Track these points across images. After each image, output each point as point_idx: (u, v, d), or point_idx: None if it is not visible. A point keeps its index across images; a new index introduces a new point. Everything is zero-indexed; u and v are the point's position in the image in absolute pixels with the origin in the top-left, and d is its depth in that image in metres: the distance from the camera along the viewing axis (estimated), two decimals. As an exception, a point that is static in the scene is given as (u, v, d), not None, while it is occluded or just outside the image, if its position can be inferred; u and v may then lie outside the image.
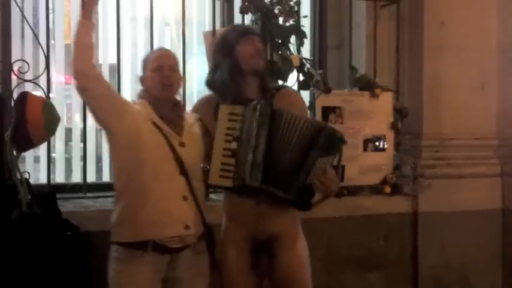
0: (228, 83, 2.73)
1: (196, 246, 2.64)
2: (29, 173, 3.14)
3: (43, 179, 3.76)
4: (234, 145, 2.63)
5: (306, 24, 3.94)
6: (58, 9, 4.15)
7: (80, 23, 2.51)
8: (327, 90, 3.80)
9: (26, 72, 3.31)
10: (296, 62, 3.70)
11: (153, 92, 2.64)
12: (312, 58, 4.05)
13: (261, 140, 2.61)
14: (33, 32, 3.58)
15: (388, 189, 3.92)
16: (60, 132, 3.93)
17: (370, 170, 3.88)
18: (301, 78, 3.80)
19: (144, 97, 2.68)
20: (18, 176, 2.96)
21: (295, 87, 3.80)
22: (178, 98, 2.81)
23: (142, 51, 4.17)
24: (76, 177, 4.15)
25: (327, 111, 3.82)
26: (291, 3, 3.70)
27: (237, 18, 3.88)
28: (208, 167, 2.66)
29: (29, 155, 3.96)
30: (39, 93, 3.32)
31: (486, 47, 4.17)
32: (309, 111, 3.80)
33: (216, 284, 2.81)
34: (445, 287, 4.04)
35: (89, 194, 3.57)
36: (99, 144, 4.33)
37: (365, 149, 3.88)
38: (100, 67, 4.33)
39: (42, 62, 3.49)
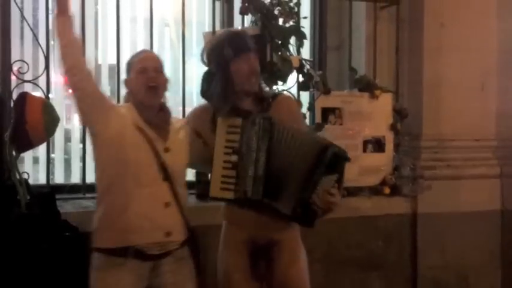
0: (221, 99, 2.70)
1: (178, 252, 2.59)
2: (28, 174, 3.14)
3: (42, 180, 3.75)
4: (234, 158, 2.64)
5: (305, 25, 3.94)
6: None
7: (57, 21, 2.46)
8: (327, 91, 3.80)
9: (25, 73, 3.31)
10: (296, 63, 3.70)
11: (138, 95, 2.59)
12: (311, 59, 4.05)
13: (261, 154, 2.61)
14: (33, 32, 3.58)
15: (387, 190, 3.92)
16: (59, 133, 3.91)
17: (370, 171, 3.88)
18: (301, 79, 3.80)
19: (129, 100, 2.64)
20: (18, 177, 2.96)
21: (295, 88, 3.80)
22: (172, 100, 2.79)
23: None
24: (75, 178, 4.14)
25: (326, 112, 3.82)
26: (291, 4, 3.71)
27: (237, 19, 3.88)
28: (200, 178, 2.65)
29: (28, 155, 3.95)
30: (38, 93, 3.32)
31: (486, 48, 4.18)
32: (308, 113, 3.82)
33: None
34: (444, 287, 4.04)
35: (88, 195, 3.56)
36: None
37: (364, 150, 3.88)
38: (99, 67, 4.36)
39: (42, 62, 3.49)
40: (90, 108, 2.52)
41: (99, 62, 4.40)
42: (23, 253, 2.80)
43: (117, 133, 2.51)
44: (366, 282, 3.93)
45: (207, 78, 2.82)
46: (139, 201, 2.49)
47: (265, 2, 3.65)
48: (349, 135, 3.79)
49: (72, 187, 3.70)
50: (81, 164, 3.86)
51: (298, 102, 3.63)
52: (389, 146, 3.94)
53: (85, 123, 2.61)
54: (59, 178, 4.19)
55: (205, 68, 3.70)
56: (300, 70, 3.76)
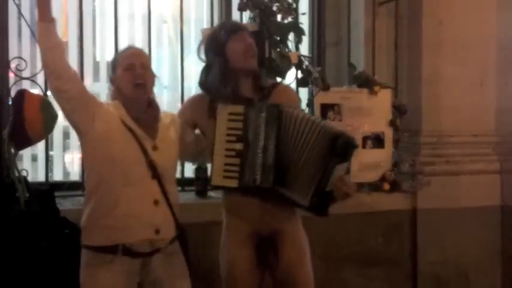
0: (220, 84, 2.70)
1: (168, 248, 2.58)
2: (27, 171, 3.13)
3: (41, 177, 3.74)
4: (239, 146, 2.62)
5: (304, 22, 3.93)
6: (55, 6, 4.11)
7: (40, 26, 2.44)
8: (326, 88, 3.79)
9: (23, 70, 3.30)
10: (294, 59, 3.69)
11: (126, 92, 2.57)
12: (310, 55, 4.05)
13: (270, 142, 2.60)
14: (31, 29, 3.56)
15: (387, 186, 3.91)
16: (57, 130, 3.91)
17: (369, 167, 3.87)
18: (300, 75, 3.79)
19: (117, 98, 2.61)
20: (16, 174, 2.96)
21: (294, 85, 3.80)
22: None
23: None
24: (74, 175, 4.14)
25: (325, 108, 3.81)
26: (289, 0, 3.70)
27: (235, 15, 3.87)
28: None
29: (26, 153, 3.95)
30: (36, 91, 3.30)
31: (485, 44, 4.17)
32: (307, 109, 3.81)
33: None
34: (444, 283, 4.04)
35: (87, 192, 3.56)
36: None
37: (364, 146, 3.87)
38: (97, 64, 4.36)
39: (40, 59, 3.47)
40: (76, 109, 2.50)
41: (97, 59, 4.40)
42: (22, 250, 2.80)
43: (104, 132, 2.50)
44: (365, 278, 3.92)
45: (205, 70, 2.81)
46: (128, 199, 2.48)
47: (264, -2, 3.64)
48: (348, 131, 3.76)
49: (71, 184, 3.69)
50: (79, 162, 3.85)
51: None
52: (388, 142, 3.93)
53: (71, 123, 2.57)
54: (57, 176, 4.19)
55: (204, 64, 3.72)
56: (298, 66, 3.75)
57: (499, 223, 4.18)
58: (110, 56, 3.95)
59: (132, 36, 4.27)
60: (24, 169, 3.12)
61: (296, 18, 3.75)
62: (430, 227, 4.01)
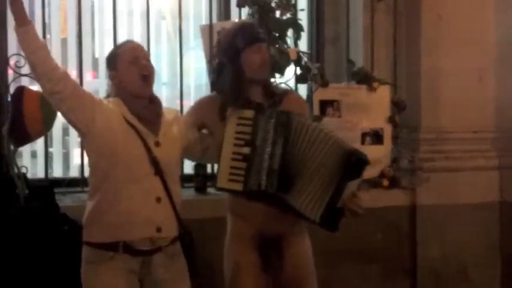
0: (231, 89, 2.71)
1: (169, 249, 2.56)
2: (26, 168, 3.13)
3: (41, 174, 3.75)
4: (246, 150, 2.62)
5: (303, 18, 3.94)
6: (54, 3, 4.14)
7: (18, 32, 2.40)
8: (325, 84, 3.79)
9: (22, 67, 3.28)
10: (293, 56, 3.69)
11: (131, 86, 2.54)
12: (309, 51, 4.04)
13: (277, 148, 2.60)
14: (30, 26, 3.56)
15: (386, 183, 3.92)
16: (57, 127, 3.91)
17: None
18: (299, 71, 3.79)
19: (117, 94, 2.58)
20: (16, 171, 2.96)
21: (293, 81, 3.80)
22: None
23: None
24: (74, 172, 4.14)
25: (324, 104, 3.82)
26: (288, -4, 3.70)
27: (234, 12, 3.88)
28: None
29: (26, 149, 3.95)
30: (35, 87, 3.29)
31: (484, 40, 4.17)
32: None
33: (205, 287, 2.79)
34: (443, 279, 4.05)
35: (86, 189, 3.53)
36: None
37: (363, 143, 3.87)
38: (96, 61, 4.35)
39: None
40: (73, 109, 2.46)
41: (96, 55, 4.40)
42: (22, 247, 2.80)
43: (105, 129, 2.48)
44: (365, 274, 3.93)
45: (217, 70, 2.81)
46: (130, 196, 2.46)
47: (263, -6, 3.64)
48: (347, 127, 3.78)
49: (70, 181, 3.70)
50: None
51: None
52: (387, 138, 3.93)
53: (70, 123, 2.55)
54: (57, 172, 4.19)
55: (203, 61, 3.72)
56: (297, 63, 3.75)
57: (498, 219, 4.18)
58: (108, 52, 3.95)
59: (131, 33, 4.27)
60: (23, 166, 3.12)
61: (295, 14, 3.75)
62: (429, 223, 4.01)
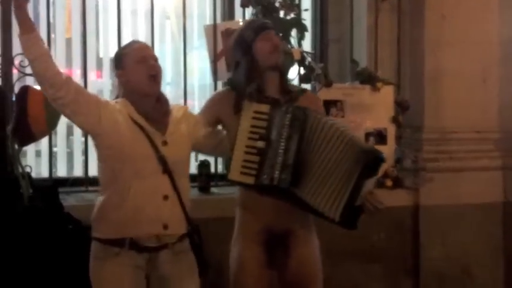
0: (246, 81, 2.72)
1: (176, 246, 2.57)
2: (30, 167, 3.14)
3: (45, 173, 3.76)
4: (260, 144, 2.63)
5: (306, 18, 3.94)
6: (58, 2, 4.15)
7: (22, 39, 2.44)
8: (328, 84, 3.79)
9: (27, 66, 3.29)
10: (297, 56, 3.69)
11: (138, 85, 2.55)
12: (313, 51, 4.05)
13: (292, 143, 2.61)
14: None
15: (389, 183, 3.91)
16: (61, 126, 3.92)
17: (372, 163, 3.87)
18: (302, 71, 3.79)
19: (124, 95, 2.60)
20: (20, 170, 2.97)
21: (296, 81, 3.80)
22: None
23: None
24: (78, 172, 4.15)
25: (328, 104, 3.80)
26: (292, -4, 3.70)
27: (238, 12, 3.88)
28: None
29: (30, 149, 3.96)
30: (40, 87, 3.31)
31: (487, 40, 4.16)
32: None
33: (208, 286, 2.79)
34: (446, 280, 4.04)
35: (90, 188, 3.57)
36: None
37: (366, 143, 3.87)
38: (101, 60, 4.36)
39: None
40: (77, 113, 2.49)
41: (101, 55, 4.41)
42: (26, 246, 2.81)
43: (113, 130, 2.50)
44: (368, 274, 3.93)
45: (234, 68, 2.84)
46: (137, 193, 2.48)
47: (266, -6, 3.64)
48: (351, 127, 3.77)
49: (74, 180, 3.71)
50: (83, 158, 3.86)
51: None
52: (391, 138, 3.93)
53: (77, 125, 2.61)
54: (61, 172, 4.21)
55: (207, 61, 3.73)
56: (301, 63, 3.76)
57: (501, 219, 4.17)
58: (113, 51, 3.95)
59: (135, 32, 4.29)
60: (28, 165, 3.13)
61: (299, 14, 3.76)
62: (433, 223, 4.01)
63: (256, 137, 2.64)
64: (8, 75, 3.39)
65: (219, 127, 2.87)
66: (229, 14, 4.00)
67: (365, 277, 3.93)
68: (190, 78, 4.03)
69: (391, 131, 3.93)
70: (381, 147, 3.86)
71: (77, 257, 2.87)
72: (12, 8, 2.46)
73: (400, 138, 4.01)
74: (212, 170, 3.81)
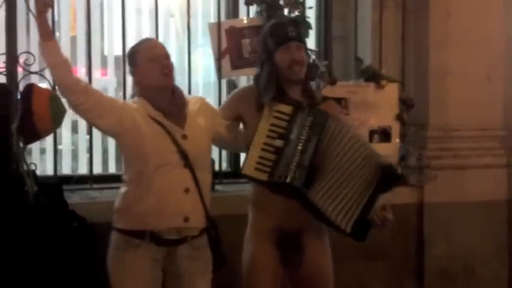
0: (265, 88, 2.77)
1: (194, 241, 2.62)
2: (35, 165, 3.15)
3: (50, 171, 3.77)
4: (278, 142, 2.66)
5: (311, 15, 3.93)
6: (63, 1, 4.16)
7: (42, 46, 2.53)
8: (332, 82, 3.78)
9: (31, 65, 3.32)
10: (301, 54, 3.68)
11: (152, 82, 2.61)
12: (317, 49, 4.04)
13: (310, 145, 2.63)
14: (39, 24, 3.58)
15: (393, 180, 3.91)
16: (66, 124, 3.93)
17: (376, 161, 3.87)
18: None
19: (140, 93, 2.66)
20: (25, 168, 2.98)
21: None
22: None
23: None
24: (82, 169, 4.17)
25: (332, 102, 3.80)
26: (296, -6, 3.70)
27: (242, 10, 3.88)
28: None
29: (35, 146, 3.98)
30: (45, 85, 3.33)
31: (492, 37, 4.15)
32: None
33: (224, 281, 2.82)
34: (450, 277, 4.05)
35: (95, 186, 3.59)
36: (105, 136, 4.34)
37: (371, 140, 3.86)
38: (105, 59, 4.37)
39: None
40: (98, 117, 2.58)
41: (105, 53, 4.42)
42: (31, 243, 2.82)
43: (134, 130, 2.56)
44: (372, 272, 3.93)
45: (261, 65, 2.88)
46: (160, 187, 2.54)
47: (271, -8, 3.64)
48: (355, 125, 3.76)
49: (79, 178, 3.72)
50: (88, 155, 3.88)
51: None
52: (395, 136, 3.92)
53: (99, 129, 2.71)
54: (66, 169, 4.22)
55: (211, 59, 3.74)
56: (305, 60, 3.75)
57: (505, 217, 4.17)
58: (117, 50, 3.97)
59: (140, 31, 4.29)
60: (32, 163, 3.14)
61: (303, 12, 3.75)
62: (437, 221, 4.01)
63: (275, 135, 2.67)
64: (13, 74, 3.40)
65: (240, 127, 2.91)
66: (233, 12, 3.99)
67: (369, 275, 3.93)
68: (195, 76, 4.03)
69: (395, 129, 3.92)
70: (385, 145, 3.89)
71: (81, 254, 2.89)
72: (34, 15, 2.56)
73: (405, 136, 3.99)
74: (216, 167, 3.81)
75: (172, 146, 2.57)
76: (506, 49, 4.20)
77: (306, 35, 3.75)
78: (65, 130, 4.13)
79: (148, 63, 2.61)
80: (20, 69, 3.41)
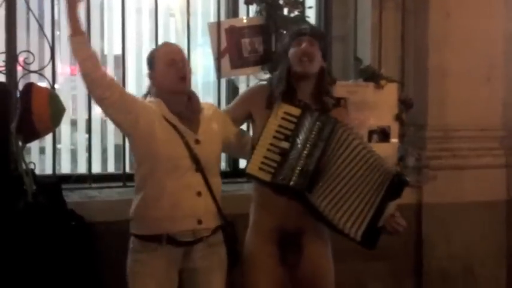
0: (278, 84, 2.81)
1: (209, 239, 2.68)
2: (34, 164, 3.15)
3: (48, 170, 3.77)
4: (284, 144, 2.68)
5: (311, 15, 3.93)
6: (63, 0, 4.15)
7: (72, 40, 2.58)
8: (332, 81, 3.77)
9: (31, 63, 3.32)
10: (301, 53, 3.68)
11: (168, 87, 2.67)
12: (317, 49, 4.04)
13: (316, 150, 2.64)
14: (39, 23, 3.59)
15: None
16: (65, 123, 3.93)
17: (375, 161, 3.87)
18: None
19: (157, 95, 2.71)
20: (24, 167, 2.98)
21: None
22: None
23: (147, 43, 4.18)
24: (81, 168, 4.16)
25: (331, 102, 3.80)
26: (296, -6, 3.70)
27: (242, 9, 3.88)
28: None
29: (34, 146, 3.98)
30: (44, 84, 3.33)
31: (492, 38, 4.15)
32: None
33: (239, 278, 2.84)
34: (450, 277, 4.04)
35: (94, 185, 3.59)
36: (104, 135, 4.35)
37: (370, 140, 3.85)
38: (105, 58, 4.37)
39: (48, 53, 3.49)
40: (119, 113, 2.62)
41: (105, 52, 4.42)
42: (29, 242, 2.82)
43: (148, 130, 2.61)
44: (370, 272, 3.93)
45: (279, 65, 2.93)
46: (172, 192, 2.60)
47: (270, -9, 3.64)
48: (354, 125, 3.76)
49: (78, 177, 3.72)
50: (87, 154, 3.88)
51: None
52: (394, 136, 3.92)
53: (116, 125, 2.73)
54: (65, 168, 4.22)
55: (210, 59, 3.74)
56: (305, 60, 3.75)
57: (504, 217, 4.17)
58: (117, 49, 3.97)
59: (140, 30, 4.30)
60: (31, 162, 3.15)
61: (303, 11, 3.75)
62: (436, 221, 4.01)
63: (281, 137, 2.69)
64: (12, 72, 3.40)
65: (243, 127, 2.95)
66: (233, 11, 3.99)
67: (368, 275, 3.93)
68: (194, 76, 4.01)
69: (394, 129, 3.92)
70: (384, 145, 3.89)
71: (79, 253, 2.89)
72: (65, 10, 2.60)
73: (404, 136, 3.99)
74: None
75: (184, 150, 2.62)
76: (506, 50, 4.20)
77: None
78: (64, 129, 4.13)
79: (165, 67, 2.67)
80: (19, 68, 3.41)
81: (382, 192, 2.66)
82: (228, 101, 3.92)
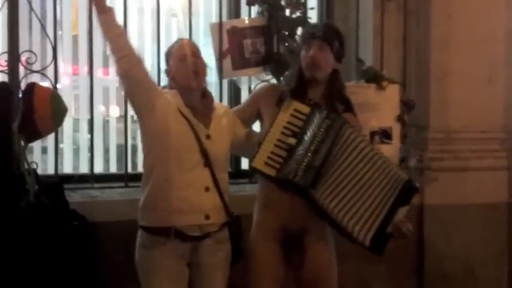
0: (289, 82, 2.85)
1: (217, 235, 2.70)
2: (36, 164, 3.16)
3: (51, 170, 3.77)
4: (292, 140, 2.70)
5: (312, 16, 3.93)
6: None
7: (100, 20, 2.60)
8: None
9: (33, 63, 3.32)
10: (303, 54, 3.68)
11: (181, 82, 2.70)
12: (318, 50, 4.03)
13: (323, 147, 2.66)
14: (41, 22, 3.58)
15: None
16: (67, 123, 3.93)
17: (376, 162, 3.87)
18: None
19: (174, 87, 2.75)
20: (26, 167, 2.98)
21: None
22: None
23: (149, 43, 4.18)
24: (83, 168, 4.17)
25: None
26: (298, -5, 3.70)
27: (244, 10, 3.88)
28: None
29: (36, 145, 3.98)
30: (46, 84, 3.33)
31: (493, 39, 4.15)
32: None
33: (243, 273, 2.85)
34: (451, 279, 4.04)
35: (96, 185, 3.59)
36: (106, 135, 4.35)
37: (371, 141, 3.85)
38: (108, 58, 4.36)
39: (50, 52, 3.50)
40: (140, 93, 2.64)
41: (107, 52, 4.40)
42: (32, 242, 2.83)
43: (162, 118, 2.63)
44: (372, 274, 3.93)
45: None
46: (180, 185, 2.61)
47: (272, -8, 3.64)
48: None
49: (80, 177, 3.72)
50: (89, 154, 3.88)
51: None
52: (396, 137, 3.92)
53: (134, 105, 2.73)
54: (67, 168, 4.23)
55: (212, 59, 3.74)
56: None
57: (506, 220, 4.17)
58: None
59: (142, 30, 4.30)
60: (34, 161, 3.15)
61: (305, 12, 3.75)
62: (437, 222, 4.01)
63: (289, 133, 2.71)
64: (14, 72, 3.40)
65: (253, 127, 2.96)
66: (235, 12, 4.00)
67: (369, 276, 3.93)
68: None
69: (396, 130, 3.92)
70: (385, 146, 3.89)
71: (81, 253, 2.89)
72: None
73: (405, 137, 3.99)
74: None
75: (195, 144, 2.64)
76: (508, 51, 4.20)
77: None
78: (66, 129, 4.14)
79: (177, 62, 2.72)
80: (21, 68, 3.41)
81: (393, 198, 2.66)
82: (229, 102, 3.93)
